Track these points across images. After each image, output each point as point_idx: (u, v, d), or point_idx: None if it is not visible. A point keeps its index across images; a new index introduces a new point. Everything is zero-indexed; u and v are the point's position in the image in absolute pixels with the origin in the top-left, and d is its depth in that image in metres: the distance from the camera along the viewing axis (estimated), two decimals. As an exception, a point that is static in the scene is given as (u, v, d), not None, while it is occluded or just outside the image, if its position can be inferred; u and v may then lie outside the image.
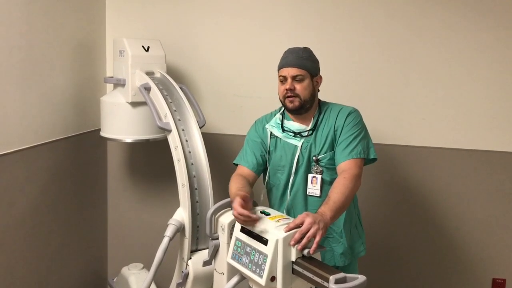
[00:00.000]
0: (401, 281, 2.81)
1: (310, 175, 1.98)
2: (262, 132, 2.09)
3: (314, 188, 1.97)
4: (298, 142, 2.00)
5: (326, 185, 1.97)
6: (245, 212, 1.63)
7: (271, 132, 2.06)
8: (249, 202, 1.71)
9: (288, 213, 2.02)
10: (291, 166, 2.00)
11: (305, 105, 1.97)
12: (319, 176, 1.97)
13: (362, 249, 2.10)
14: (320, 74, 2.05)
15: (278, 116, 2.09)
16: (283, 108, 2.10)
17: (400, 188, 2.75)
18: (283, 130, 2.04)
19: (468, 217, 2.69)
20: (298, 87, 1.94)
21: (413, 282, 2.80)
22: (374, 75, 2.68)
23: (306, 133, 2.00)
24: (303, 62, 1.96)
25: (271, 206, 2.12)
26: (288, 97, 1.95)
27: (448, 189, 2.69)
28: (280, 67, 1.99)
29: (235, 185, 1.89)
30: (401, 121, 2.69)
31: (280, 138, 2.04)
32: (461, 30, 2.57)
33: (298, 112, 1.98)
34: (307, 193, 1.99)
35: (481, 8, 2.54)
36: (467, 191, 2.67)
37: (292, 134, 2.02)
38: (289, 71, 1.94)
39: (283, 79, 1.97)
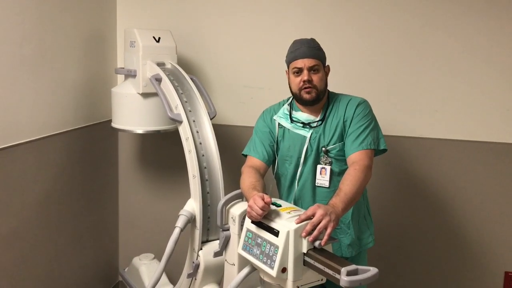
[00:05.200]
0: (411, 273, 2.80)
1: (319, 166, 1.97)
2: (270, 122, 2.08)
3: (323, 179, 1.97)
4: (307, 133, 1.99)
5: (334, 176, 1.97)
6: (265, 211, 1.62)
7: (279, 123, 2.05)
8: (269, 204, 1.66)
9: (296, 204, 2.02)
10: (299, 157, 1.99)
11: (320, 96, 1.96)
12: (328, 167, 1.96)
13: (371, 240, 2.09)
14: (328, 64, 2.04)
15: (286, 106, 2.08)
16: (291, 99, 2.09)
17: (412, 180, 2.73)
18: (292, 121, 2.03)
19: (481, 210, 2.66)
20: (315, 78, 1.93)
21: (424, 275, 2.79)
22: (386, 66, 2.65)
23: (315, 124, 1.99)
24: (316, 52, 1.96)
25: (279, 197, 2.12)
26: (305, 88, 1.93)
27: (461, 181, 2.67)
28: (293, 59, 1.95)
29: (248, 179, 1.89)
30: (413, 113, 2.67)
31: (288, 129, 2.03)
32: (476, 20, 2.53)
33: (313, 103, 1.97)
34: (316, 184, 1.99)
35: (496, -2, 2.50)
36: (480, 183, 2.64)
37: (301, 125, 2.01)
38: (306, 62, 1.92)
39: (298, 71, 1.94)
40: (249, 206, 1.67)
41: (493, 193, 2.64)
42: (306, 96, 1.94)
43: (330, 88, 2.07)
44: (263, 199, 1.62)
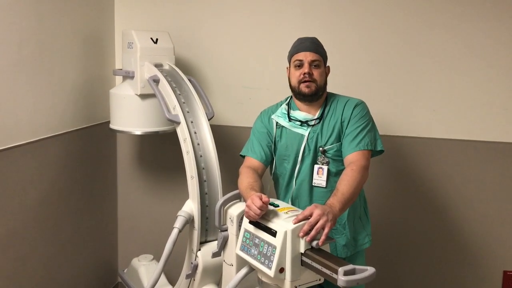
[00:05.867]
0: (410, 273, 2.80)
1: (316, 166, 1.98)
2: (268, 122, 2.08)
3: (320, 179, 1.97)
4: (305, 132, 1.99)
5: (331, 176, 1.97)
6: (263, 211, 1.62)
7: (277, 122, 2.06)
8: (267, 204, 1.67)
9: (293, 203, 2.03)
10: (296, 156, 2.00)
11: (318, 92, 1.97)
12: (325, 167, 1.97)
13: (367, 240, 2.09)
14: (329, 65, 2.06)
15: (284, 106, 2.08)
16: (289, 99, 2.10)
17: (410, 180, 2.73)
18: (290, 120, 2.03)
19: (479, 209, 2.67)
20: (315, 72, 1.95)
21: (423, 275, 2.79)
22: (385, 66, 2.66)
23: (313, 122, 2.00)
24: (319, 48, 1.99)
25: (277, 196, 2.12)
26: (305, 81, 1.94)
27: (459, 180, 2.67)
28: (296, 52, 1.98)
29: (246, 179, 1.89)
30: (412, 113, 2.67)
31: (286, 128, 2.03)
32: (474, 19, 2.54)
33: (312, 98, 1.98)
34: (313, 184, 1.99)
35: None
36: (478, 182, 2.65)
37: (299, 123, 2.01)
38: (307, 56, 1.94)
39: (299, 64, 1.96)
40: (247, 206, 1.67)
41: (492, 193, 2.64)
42: (305, 89, 1.95)
43: (329, 87, 2.08)
44: (261, 199, 1.62)
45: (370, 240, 2.10)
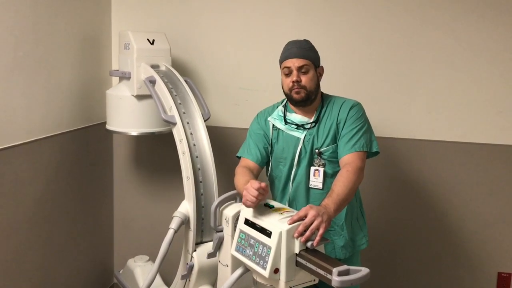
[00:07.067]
0: (405, 275, 2.81)
1: (312, 168, 1.99)
2: (264, 124, 2.09)
3: (316, 181, 1.98)
4: (300, 135, 2.00)
5: (328, 178, 1.98)
6: (261, 194, 1.63)
7: (273, 125, 2.06)
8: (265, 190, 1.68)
9: (290, 205, 2.03)
10: (293, 158, 2.01)
11: (310, 97, 1.97)
12: (321, 169, 1.97)
13: (364, 241, 2.10)
14: (322, 65, 2.06)
15: (280, 108, 2.09)
16: (285, 101, 2.11)
17: (405, 181, 2.74)
18: (286, 123, 2.04)
19: (474, 211, 2.68)
20: (304, 78, 1.95)
21: (418, 276, 2.80)
22: (380, 68, 2.67)
23: (309, 126, 2.00)
24: (307, 52, 1.97)
25: (273, 199, 2.12)
26: (295, 88, 1.95)
27: (454, 182, 2.68)
28: (284, 59, 1.98)
29: (243, 178, 1.89)
30: (407, 115, 2.68)
31: (283, 130, 2.04)
32: (469, 21, 2.55)
33: (304, 104, 1.98)
34: (309, 186, 2.00)
35: (490, -1, 2.52)
36: (473, 184, 2.66)
37: (295, 126, 2.02)
38: (294, 62, 1.94)
39: (287, 71, 1.96)
40: (245, 189, 1.68)
41: (487, 195, 2.65)
42: (295, 96, 1.96)
43: (325, 88, 2.08)
44: (259, 183, 1.63)
45: (367, 241, 2.11)
